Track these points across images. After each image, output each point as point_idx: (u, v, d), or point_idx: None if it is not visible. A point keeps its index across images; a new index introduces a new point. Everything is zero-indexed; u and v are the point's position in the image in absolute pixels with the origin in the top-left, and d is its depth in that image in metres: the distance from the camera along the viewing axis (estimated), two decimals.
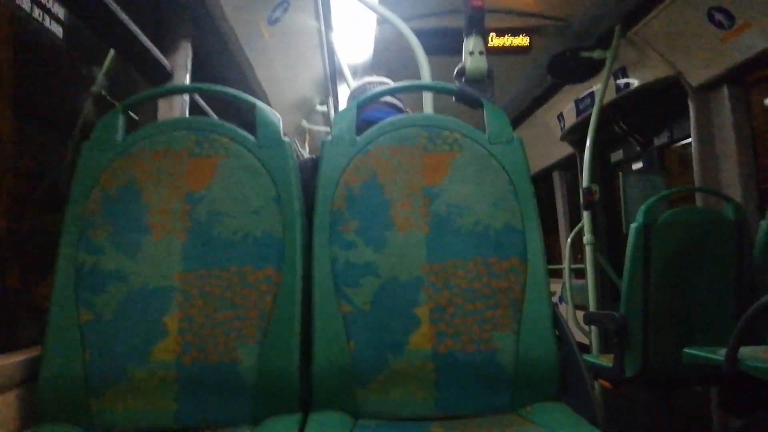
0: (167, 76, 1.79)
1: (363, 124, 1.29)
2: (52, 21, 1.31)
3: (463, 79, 1.75)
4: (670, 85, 3.06)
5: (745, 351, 1.54)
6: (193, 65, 1.91)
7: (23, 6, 1.24)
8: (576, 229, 4.00)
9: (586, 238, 3.36)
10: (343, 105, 4.05)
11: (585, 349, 3.45)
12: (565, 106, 4.26)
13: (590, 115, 3.40)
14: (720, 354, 1.60)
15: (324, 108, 4.29)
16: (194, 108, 2.15)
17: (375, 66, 3.70)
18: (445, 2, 3.08)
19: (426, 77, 2.25)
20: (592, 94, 3.82)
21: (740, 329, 1.51)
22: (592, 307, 3.36)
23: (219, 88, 1.30)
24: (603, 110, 3.35)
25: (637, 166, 4.01)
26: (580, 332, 3.62)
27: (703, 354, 1.71)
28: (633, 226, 2.29)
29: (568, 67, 3.30)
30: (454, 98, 1.45)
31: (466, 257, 1.16)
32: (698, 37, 2.67)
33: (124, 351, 1.07)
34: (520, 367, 1.10)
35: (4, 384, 1.01)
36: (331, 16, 2.99)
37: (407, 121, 1.27)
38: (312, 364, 1.09)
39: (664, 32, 2.87)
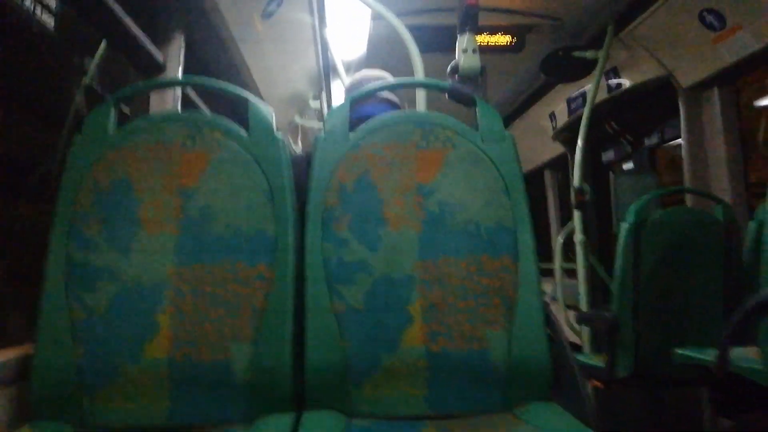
0: (159, 68, 1.77)
1: (357, 121, 1.29)
2: (43, 11, 1.29)
3: (457, 77, 1.74)
4: (661, 86, 3.08)
5: (735, 352, 1.55)
6: (185, 57, 1.89)
7: None
8: (567, 228, 4.02)
9: (578, 237, 3.37)
10: (336, 101, 4.04)
11: (577, 348, 3.47)
12: (557, 105, 4.27)
13: (582, 114, 3.42)
14: (710, 354, 1.62)
15: (317, 104, 4.27)
16: (186, 100, 2.13)
17: (369, 62, 3.69)
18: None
19: (419, 74, 2.24)
20: (584, 94, 3.84)
21: (730, 330, 1.52)
22: (583, 307, 3.38)
23: (212, 81, 1.29)
24: (594, 110, 3.36)
25: (628, 166, 4.03)
26: (572, 332, 3.64)
27: (693, 354, 1.72)
28: (623, 225, 2.30)
29: (561, 66, 3.30)
30: (446, 96, 1.45)
31: (458, 255, 1.16)
32: (689, 38, 2.69)
33: (116, 348, 1.06)
34: (512, 365, 1.10)
35: None
36: (325, 11, 2.97)
37: (400, 118, 1.26)
38: (305, 362, 1.09)
39: (656, 33, 2.88)
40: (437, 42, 3.19)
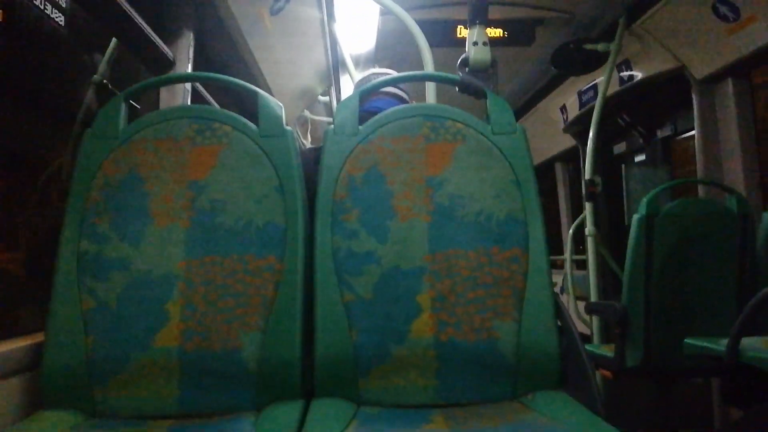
0: (169, 64, 1.79)
1: (366, 115, 1.29)
2: (54, 9, 1.30)
3: (467, 70, 1.74)
4: (674, 78, 3.05)
5: (746, 342, 1.54)
6: (194, 54, 1.90)
7: None
8: (578, 220, 4.00)
9: (588, 229, 3.36)
10: (345, 95, 4.04)
11: (586, 339, 3.46)
12: (568, 97, 4.24)
13: (593, 107, 3.39)
14: (721, 345, 1.61)
15: (326, 98, 4.28)
16: (196, 97, 2.14)
17: (378, 57, 3.69)
18: None
19: (429, 68, 2.24)
20: (595, 86, 3.81)
21: (742, 320, 1.51)
22: (593, 298, 3.37)
23: (222, 77, 1.30)
24: (606, 102, 3.34)
25: (640, 158, 4.00)
26: (581, 323, 3.63)
27: (704, 344, 1.71)
28: (635, 217, 2.29)
29: (572, 58, 3.29)
30: (457, 89, 1.45)
31: (468, 247, 1.16)
32: (703, 29, 2.66)
33: (126, 338, 1.08)
34: (521, 355, 1.10)
35: (6, 370, 1.02)
36: (333, 6, 2.97)
37: (410, 111, 1.27)
38: (314, 352, 1.10)
39: (669, 25, 2.85)
40: (446, 36, 3.18)
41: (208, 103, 2.47)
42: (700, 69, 2.87)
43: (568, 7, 3.22)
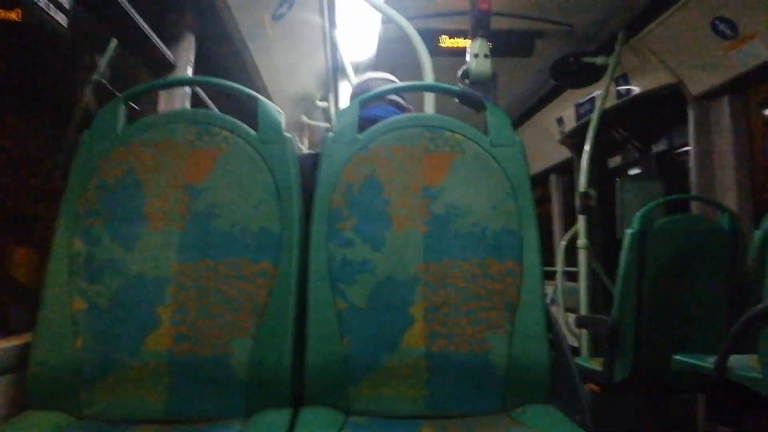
0: (170, 67, 1.79)
1: (364, 121, 1.30)
2: (57, 9, 1.31)
3: (467, 81, 1.75)
4: (671, 93, 3.08)
5: (734, 360, 1.55)
6: (195, 57, 1.91)
7: None
8: (571, 232, 4.01)
9: (581, 242, 3.37)
10: (344, 102, 4.05)
11: (575, 351, 3.47)
12: (565, 110, 4.27)
13: (590, 119, 3.41)
14: (709, 362, 1.62)
15: (324, 104, 4.28)
16: (195, 100, 2.15)
17: (378, 64, 3.70)
18: (450, 4, 3.08)
19: (429, 77, 2.25)
20: (592, 99, 3.83)
21: (731, 338, 1.52)
22: (583, 311, 3.38)
23: (223, 82, 1.31)
24: (602, 116, 3.36)
25: (634, 172, 4.02)
26: (570, 335, 3.64)
27: (692, 361, 1.72)
28: (628, 232, 2.30)
29: (571, 71, 3.31)
30: (457, 99, 1.46)
31: (462, 258, 1.16)
32: (701, 46, 2.68)
33: (116, 340, 1.07)
34: (511, 368, 1.11)
35: None
36: (335, 13, 2.99)
37: (409, 121, 1.27)
38: (305, 359, 1.10)
39: (667, 40, 2.87)
40: (430, 46, 3.20)
41: (207, 106, 2.47)
42: (696, 85, 2.89)
43: (568, 20, 3.25)
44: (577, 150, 4.25)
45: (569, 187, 4.96)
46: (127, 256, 1.12)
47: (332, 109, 4.24)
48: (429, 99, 2.22)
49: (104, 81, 1.67)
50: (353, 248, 1.16)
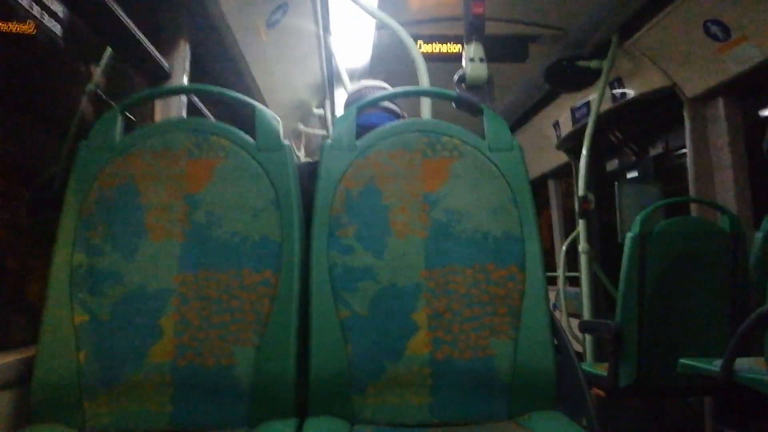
0: (165, 76, 1.78)
1: (359, 129, 1.29)
2: (51, 18, 1.30)
3: (463, 86, 1.74)
4: (666, 96, 3.08)
5: (740, 362, 1.54)
6: (190, 65, 1.90)
7: (22, 3, 1.23)
8: (571, 236, 4.01)
9: (582, 246, 3.36)
10: (340, 109, 4.05)
11: (579, 357, 3.45)
12: (561, 114, 4.27)
13: (586, 123, 3.41)
14: (715, 365, 1.60)
15: (321, 111, 4.28)
16: (191, 108, 2.14)
17: (373, 70, 3.71)
18: (444, 9, 3.08)
19: (424, 83, 2.25)
20: (587, 103, 3.84)
21: (736, 341, 1.51)
22: (586, 315, 3.37)
23: (220, 90, 1.30)
24: (599, 119, 3.36)
25: (632, 175, 4.02)
26: (574, 340, 3.62)
27: (698, 365, 1.71)
28: (629, 235, 2.30)
29: (565, 75, 3.31)
30: (454, 104, 1.45)
31: (464, 264, 1.15)
32: (694, 48, 2.69)
33: (119, 352, 1.07)
34: (517, 374, 1.10)
35: None
36: (329, 19, 2.98)
37: (407, 127, 1.26)
38: (309, 368, 1.09)
39: (661, 43, 2.88)
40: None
41: (203, 114, 2.46)
42: (691, 88, 2.90)
43: (562, 24, 3.25)
44: (574, 154, 4.26)
45: (567, 191, 4.97)
46: (128, 268, 1.11)
47: (328, 117, 4.24)
48: (426, 104, 2.21)
49: (99, 91, 1.66)
50: (354, 255, 1.15)
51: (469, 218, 1.18)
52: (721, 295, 2.30)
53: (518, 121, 4.76)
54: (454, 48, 3.21)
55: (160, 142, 1.19)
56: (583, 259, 3.36)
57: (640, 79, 3.22)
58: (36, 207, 1.50)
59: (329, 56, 3.37)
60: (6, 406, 1.03)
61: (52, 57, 1.49)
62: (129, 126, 1.26)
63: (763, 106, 2.73)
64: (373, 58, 3.56)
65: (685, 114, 2.95)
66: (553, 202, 5.13)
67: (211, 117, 2.52)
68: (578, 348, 3.63)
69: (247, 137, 1.21)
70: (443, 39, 3.25)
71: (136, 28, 1.53)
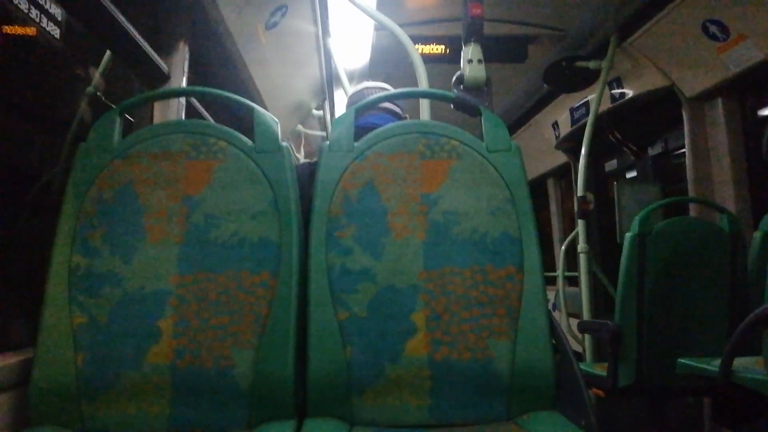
0: (164, 78, 1.78)
1: (360, 130, 1.29)
2: (49, 21, 1.30)
3: (462, 87, 1.75)
4: (665, 96, 3.08)
5: (739, 362, 1.54)
6: (189, 67, 1.90)
7: (21, 6, 1.24)
8: (570, 236, 4.01)
9: (581, 246, 3.36)
10: (339, 110, 4.06)
11: (578, 357, 3.46)
12: (560, 114, 4.27)
13: (585, 123, 3.42)
14: (714, 365, 1.61)
15: (320, 112, 4.29)
16: (189, 110, 2.14)
17: (372, 72, 3.71)
18: (442, 10, 3.09)
19: (423, 84, 2.25)
20: (586, 103, 3.84)
21: (734, 341, 1.51)
22: (585, 316, 3.37)
23: (219, 92, 1.30)
24: (598, 119, 3.37)
25: (631, 175, 4.03)
26: (573, 340, 3.63)
27: (697, 365, 1.71)
28: (628, 235, 2.30)
29: (564, 75, 3.31)
30: (452, 106, 1.45)
31: (462, 265, 1.16)
32: (693, 48, 2.69)
33: (117, 354, 1.07)
34: (516, 375, 1.10)
35: None
36: (328, 21, 2.99)
37: (406, 128, 1.27)
38: (307, 369, 1.09)
39: (659, 43, 2.88)
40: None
41: (201, 115, 2.46)
42: (689, 87, 2.90)
43: (560, 24, 3.26)
44: (574, 154, 4.26)
45: (566, 191, 4.97)
46: (127, 269, 1.11)
47: (327, 118, 4.25)
48: (424, 106, 2.22)
49: (99, 93, 1.66)
50: (353, 257, 1.15)
51: (468, 219, 1.19)
52: (720, 294, 2.30)
53: (517, 121, 4.76)
54: (453, 49, 3.22)
55: (159, 144, 1.19)
56: (582, 259, 3.36)
57: (639, 79, 3.22)
58: (35, 209, 1.50)
59: (328, 58, 3.38)
60: (4, 409, 1.03)
61: (51, 60, 1.49)
62: (128, 128, 1.26)
63: (762, 106, 2.73)
64: (372, 59, 3.56)
65: (684, 114, 2.95)
66: (552, 202, 5.13)
67: (210, 119, 2.52)
68: (577, 348, 3.63)
69: (246, 139, 1.21)
70: (442, 40, 3.25)
71: (135, 31, 1.54)
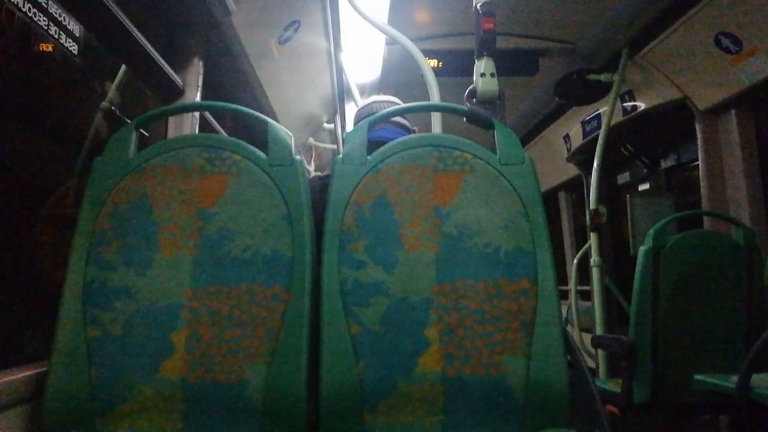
0: (178, 92, 1.80)
1: (370, 144, 1.29)
2: (68, 38, 1.32)
3: (474, 100, 1.75)
4: (677, 108, 3.07)
5: (756, 379, 1.52)
6: (203, 81, 1.92)
7: (40, 23, 1.26)
8: (582, 250, 3.98)
9: (593, 259, 3.34)
10: (350, 123, 4.08)
11: (591, 373, 3.41)
12: (571, 127, 4.27)
13: (596, 136, 3.40)
14: (731, 381, 1.58)
15: (331, 126, 4.31)
16: (203, 123, 2.16)
17: (383, 85, 3.73)
18: (454, 24, 3.10)
19: (435, 97, 2.26)
20: (598, 116, 3.83)
21: (752, 356, 1.49)
22: (598, 330, 3.33)
23: (233, 107, 1.31)
24: (610, 132, 3.35)
25: (644, 187, 4.00)
26: (586, 355, 3.58)
27: (714, 381, 1.68)
28: (642, 249, 2.28)
29: (576, 88, 3.32)
30: (465, 119, 1.45)
31: (476, 279, 1.15)
32: (705, 61, 2.68)
33: (130, 368, 1.07)
34: (530, 391, 1.08)
35: (9, 399, 1.00)
36: (340, 36, 3.01)
37: (418, 141, 1.27)
38: (320, 384, 1.08)
39: (671, 56, 2.88)
40: (452, 66, 3.22)
41: (214, 128, 2.48)
42: (703, 100, 2.88)
43: (571, 38, 3.26)
44: (585, 167, 4.24)
45: (578, 204, 4.94)
46: (141, 283, 1.12)
47: (339, 131, 4.27)
48: (436, 119, 2.22)
49: (114, 108, 1.68)
50: (365, 270, 1.15)
51: (481, 232, 1.18)
52: (736, 309, 2.27)
53: (529, 134, 4.75)
54: (465, 63, 3.23)
55: (174, 158, 1.20)
56: (594, 273, 3.33)
57: (651, 91, 3.21)
58: (50, 223, 1.51)
59: (340, 72, 3.40)
60: (19, 422, 1.03)
61: (68, 75, 1.52)
62: (143, 142, 1.28)
63: None
64: (383, 73, 3.58)
65: (697, 127, 2.93)
66: (564, 215, 5.10)
67: (224, 132, 2.54)
68: (591, 364, 3.59)
69: (260, 153, 1.22)
70: (453, 54, 3.27)
71: (150, 46, 1.56)
